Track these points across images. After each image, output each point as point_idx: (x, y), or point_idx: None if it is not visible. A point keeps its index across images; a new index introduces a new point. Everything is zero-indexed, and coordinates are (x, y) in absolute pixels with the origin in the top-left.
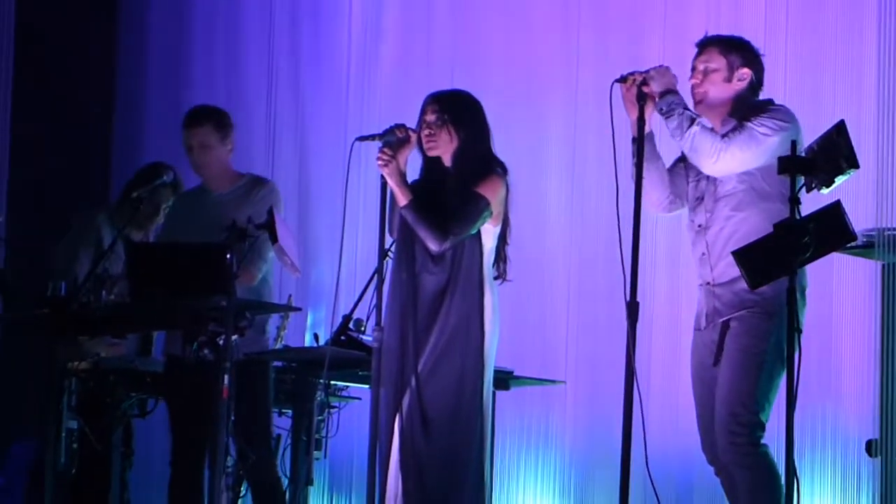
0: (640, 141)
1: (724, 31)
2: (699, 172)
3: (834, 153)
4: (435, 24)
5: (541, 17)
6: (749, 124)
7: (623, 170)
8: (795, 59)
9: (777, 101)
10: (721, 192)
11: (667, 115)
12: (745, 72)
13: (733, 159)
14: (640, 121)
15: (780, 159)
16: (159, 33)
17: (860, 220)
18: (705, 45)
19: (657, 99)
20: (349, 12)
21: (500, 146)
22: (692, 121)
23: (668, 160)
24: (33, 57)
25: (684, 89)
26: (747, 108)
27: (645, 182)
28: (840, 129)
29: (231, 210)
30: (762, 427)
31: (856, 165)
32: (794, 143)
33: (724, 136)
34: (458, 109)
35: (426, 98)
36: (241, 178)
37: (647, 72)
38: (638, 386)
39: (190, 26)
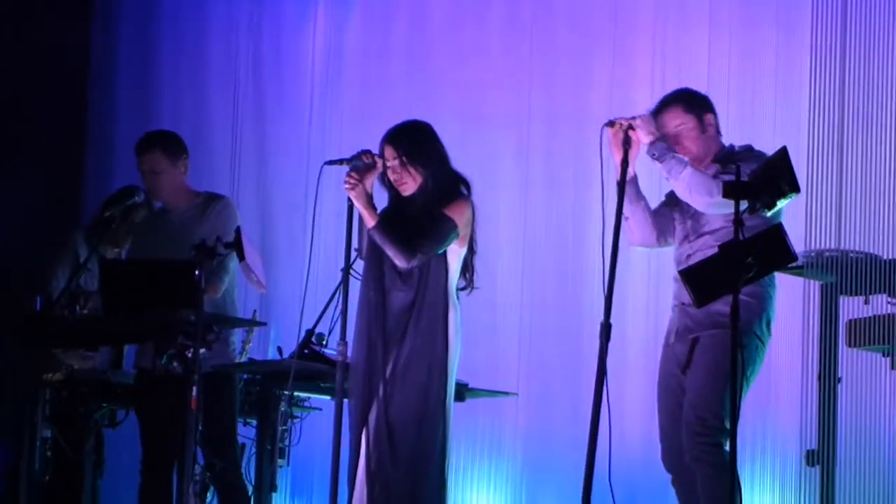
0: (623, 182)
1: (670, 60)
2: (684, 214)
3: (776, 177)
4: (392, 50)
5: (493, 44)
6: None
7: (604, 208)
8: (738, 86)
9: (752, 146)
10: (705, 230)
11: (659, 159)
12: (710, 117)
13: (723, 202)
14: (624, 162)
15: (725, 184)
16: (128, 60)
17: (799, 241)
18: (665, 108)
19: (647, 146)
20: (312, 39)
21: (455, 164)
22: (684, 164)
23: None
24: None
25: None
26: (729, 155)
27: (631, 221)
28: (782, 154)
29: (189, 227)
30: (726, 433)
31: (797, 189)
32: (738, 168)
33: (714, 176)
34: (412, 146)
35: (382, 140)
36: (197, 197)
37: (633, 118)
38: (609, 400)
39: (158, 50)
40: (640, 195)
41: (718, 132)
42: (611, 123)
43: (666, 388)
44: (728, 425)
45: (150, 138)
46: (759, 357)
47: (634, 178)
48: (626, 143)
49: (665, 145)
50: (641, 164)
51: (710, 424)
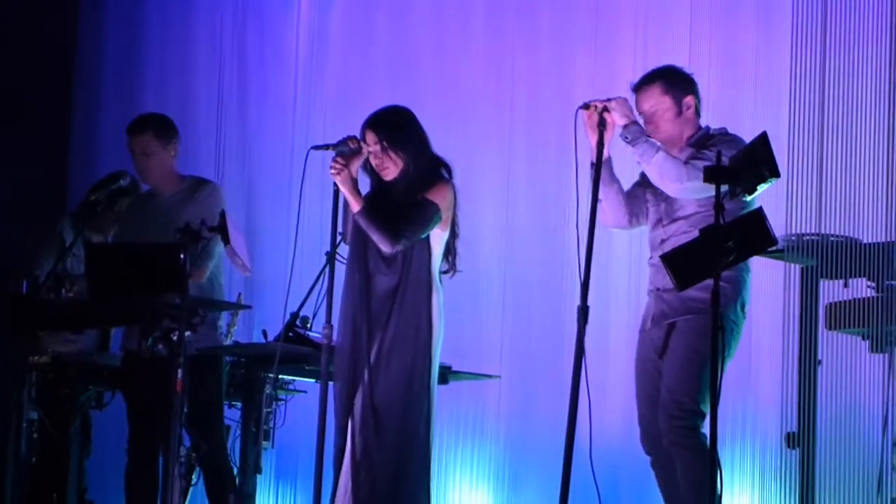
0: (598, 164)
1: (651, 51)
2: (657, 196)
3: (757, 162)
4: (375, 37)
5: (476, 31)
6: (708, 153)
7: (578, 190)
8: (718, 74)
9: (727, 129)
10: (679, 214)
11: (632, 143)
12: (689, 99)
13: (694, 184)
14: (599, 145)
15: (706, 168)
16: (114, 46)
17: (780, 225)
18: (644, 87)
19: (621, 128)
20: (296, 25)
21: (437, 149)
22: (657, 148)
23: (626, 184)
24: None
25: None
26: (704, 138)
27: (604, 203)
28: (763, 139)
29: (176, 210)
30: (703, 416)
31: (777, 174)
32: (719, 154)
33: (685, 162)
34: (393, 131)
35: (363, 126)
36: (185, 181)
37: (608, 100)
38: (588, 382)
39: (144, 37)
40: (613, 177)
41: (698, 114)
42: (586, 106)
43: (643, 372)
44: (705, 409)
45: (143, 119)
46: (734, 341)
47: (608, 160)
48: (602, 126)
49: (639, 129)
50: (616, 147)
51: (687, 408)
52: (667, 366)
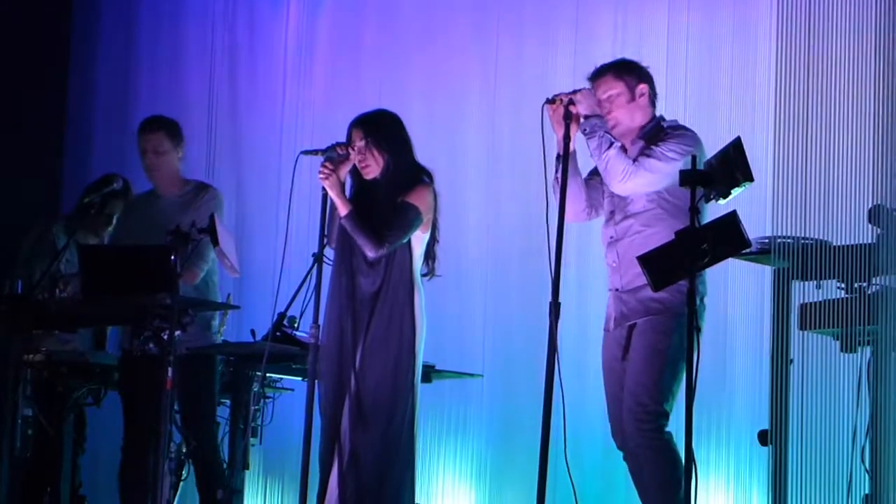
0: (566, 156)
1: (628, 54)
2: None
3: (731, 167)
4: (363, 42)
5: (461, 36)
6: (657, 149)
7: (547, 185)
8: (695, 79)
9: (679, 121)
10: (631, 210)
11: (589, 135)
12: (643, 87)
13: (640, 182)
14: (566, 138)
15: (682, 172)
16: (107, 48)
17: (752, 228)
18: (599, 75)
19: (582, 120)
20: (284, 32)
21: (422, 154)
22: (610, 144)
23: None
24: None
25: None
26: (656, 130)
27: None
28: (737, 145)
29: (178, 213)
30: (666, 416)
31: (750, 178)
32: (694, 158)
33: (634, 160)
34: (379, 130)
35: (350, 124)
36: (187, 185)
37: (573, 93)
38: (561, 378)
39: (136, 39)
40: (576, 171)
41: (652, 104)
42: (551, 100)
43: (609, 372)
44: (668, 409)
45: (158, 119)
46: (699, 338)
47: (573, 154)
48: (568, 118)
49: (598, 122)
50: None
51: (651, 411)
52: (629, 368)
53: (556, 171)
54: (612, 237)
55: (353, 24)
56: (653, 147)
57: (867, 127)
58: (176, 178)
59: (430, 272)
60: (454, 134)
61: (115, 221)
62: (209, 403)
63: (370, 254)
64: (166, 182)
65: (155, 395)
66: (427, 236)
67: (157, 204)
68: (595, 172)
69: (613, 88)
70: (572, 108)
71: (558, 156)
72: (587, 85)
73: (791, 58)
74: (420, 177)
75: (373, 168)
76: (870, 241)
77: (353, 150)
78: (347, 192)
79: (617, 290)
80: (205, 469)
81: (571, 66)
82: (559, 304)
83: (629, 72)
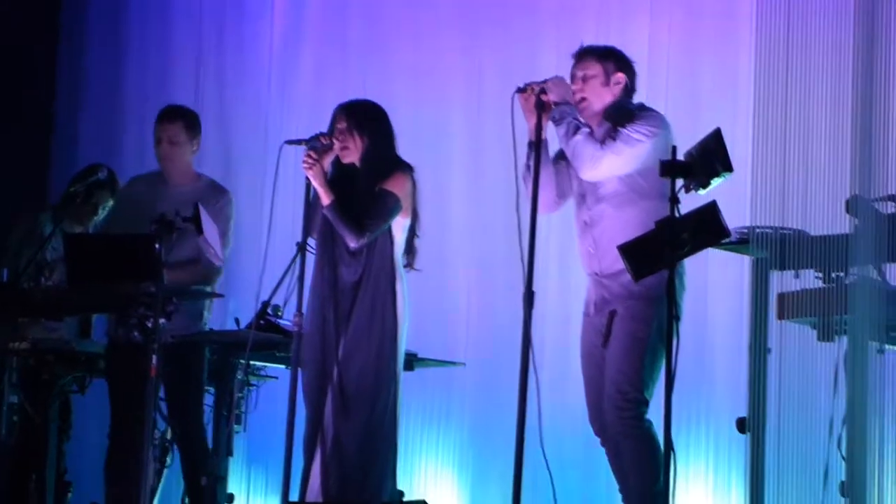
0: (538, 145)
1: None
2: None
3: (710, 157)
4: (349, 35)
5: (446, 31)
6: (623, 130)
7: (517, 173)
8: (676, 71)
9: (650, 106)
10: (602, 193)
11: (557, 122)
12: (620, 76)
13: (608, 166)
14: (538, 127)
15: (662, 163)
16: (96, 43)
17: (732, 218)
18: (582, 55)
19: (552, 107)
20: (270, 25)
21: (408, 146)
22: (577, 129)
23: None
24: None
25: None
26: (622, 112)
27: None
28: (716, 135)
29: (187, 206)
30: (646, 403)
31: (730, 169)
32: (674, 148)
33: (602, 142)
34: (363, 116)
35: (335, 109)
36: (199, 179)
37: (544, 82)
38: (535, 367)
39: (125, 33)
40: (548, 159)
41: (627, 94)
42: (522, 89)
43: (588, 358)
44: (648, 396)
45: (177, 109)
46: (676, 326)
47: (545, 142)
48: (540, 107)
49: (568, 109)
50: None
51: (631, 398)
52: (609, 355)
53: (528, 159)
54: (585, 222)
55: (338, 18)
56: (619, 129)
57: (845, 118)
58: (188, 169)
59: (409, 265)
60: (439, 125)
61: (100, 214)
62: (198, 392)
63: (352, 244)
64: (177, 172)
65: (140, 383)
66: (408, 222)
67: (165, 190)
68: (561, 156)
69: (591, 69)
70: (544, 97)
71: (530, 143)
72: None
73: (769, 49)
74: (399, 164)
75: (351, 151)
76: (847, 231)
77: (337, 136)
78: (330, 174)
79: (596, 274)
80: (192, 456)
81: (555, 57)
82: (532, 292)
83: (611, 59)
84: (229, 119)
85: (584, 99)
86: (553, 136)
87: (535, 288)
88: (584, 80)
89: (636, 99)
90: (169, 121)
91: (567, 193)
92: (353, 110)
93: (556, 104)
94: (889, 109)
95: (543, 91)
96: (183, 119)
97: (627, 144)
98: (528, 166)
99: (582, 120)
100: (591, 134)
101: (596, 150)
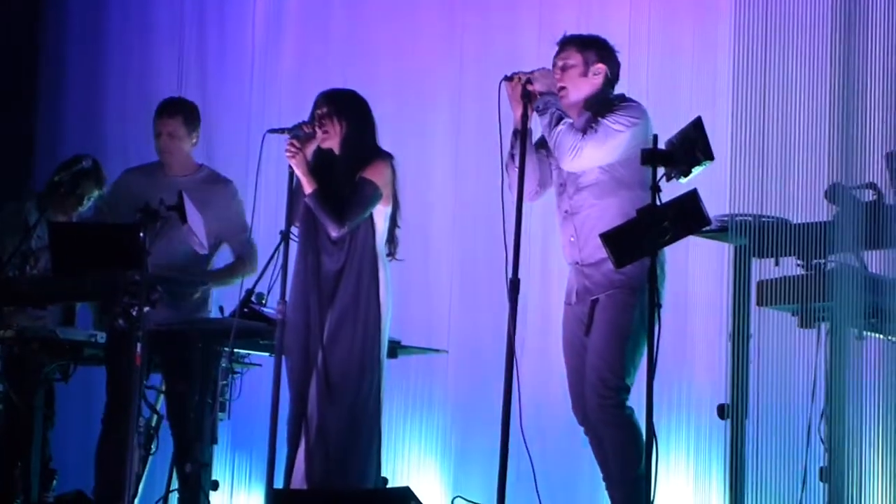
0: (524, 134)
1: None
2: None
3: (691, 146)
4: (331, 25)
5: (427, 21)
6: (603, 121)
7: (503, 162)
8: (657, 59)
9: (630, 97)
10: (583, 182)
11: (541, 112)
12: (601, 67)
13: (588, 157)
14: (524, 116)
15: (643, 151)
16: (78, 28)
17: (712, 206)
18: (564, 43)
19: (538, 97)
20: (252, 14)
21: (390, 135)
22: (560, 120)
23: None
24: None
25: None
26: (602, 102)
27: (515, 175)
28: (697, 124)
29: (189, 195)
30: (628, 390)
31: (711, 157)
32: (655, 137)
33: (583, 132)
34: (344, 104)
35: (317, 96)
36: (200, 170)
37: (531, 72)
38: (516, 358)
39: (106, 24)
40: (532, 149)
41: (609, 84)
42: (509, 78)
43: (570, 346)
44: (629, 383)
45: (176, 103)
46: (657, 314)
47: (529, 131)
48: (526, 97)
49: (552, 99)
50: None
51: (612, 385)
52: (591, 343)
53: (513, 148)
54: (567, 211)
55: (321, 7)
56: (599, 119)
57: (823, 106)
58: (188, 160)
59: (391, 254)
60: (421, 117)
61: (85, 204)
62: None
63: (333, 233)
64: (178, 164)
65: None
66: (389, 210)
67: (165, 181)
68: (541, 145)
69: (571, 59)
70: (530, 87)
71: (515, 132)
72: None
73: (747, 37)
74: (378, 153)
75: (331, 136)
76: (827, 218)
77: (317, 121)
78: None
79: (577, 263)
80: (187, 445)
81: (536, 45)
82: (518, 280)
83: (593, 48)
84: (212, 108)
85: (563, 87)
86: (537, 126)
87: (526, 278)
88: (564, 69)
89: (618, 89)
90: (169, 115)
91: (548, 183)
92: (335, 97)
93: (542, 94)
94: (866, 97)
95: (529, 81)
96: (182, 113)
97: (607, 135)
98: (511, 155)
99: (564, 111)
100: (574, 125)
101: (577, 141)
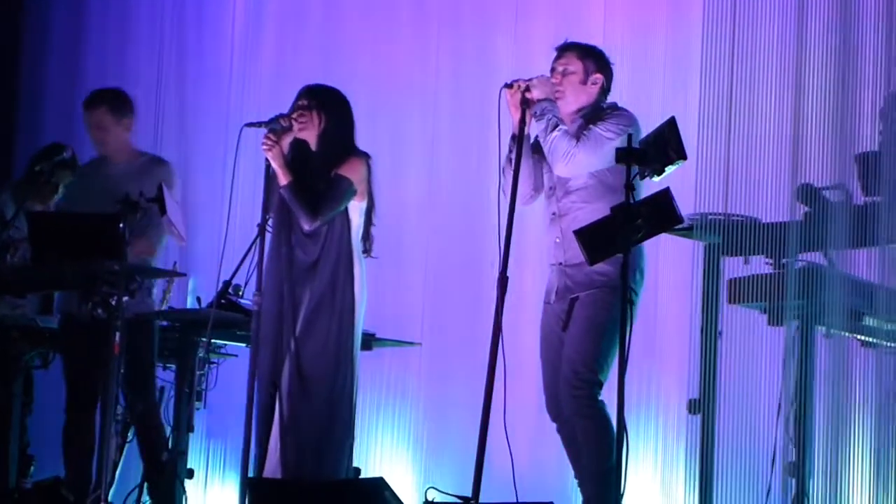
0: (521, 139)
1: (572, 37)
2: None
3: (665, 145)
4: (309, 19)
5: (404, 18)
6: (595, 129)
7: (501, 163)
8: (630, 60)
9: (620, 105)
10: (572, 186)
11: (538, 118)
12: (598, 77)
13: (581, 163)
14: (522, 122)
15: (618, 150)
16: (59, 23)
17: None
18: (565, 49)
19: (536, 104)
20: (232, 14)
21: (366, 130)
22: (556, 126)
23: None
24: None
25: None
26: (595, 110)
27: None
28: (671, 124)
29: (126, 182)
30: (601, 385)
31: (684, 157)
32: (629, 136)
33: (576, 137)
34: (326, 99)
35: (302, 88)
36: (141, 156)
37: (530, 80)
38: (503, 350)
39: (87, 17)
40: (529, 154)
41: (603, 93)
42: (509, 85)
43: (547, 342)
44: (603, 378)
45: (98, 95)
46: (634, 310)
47: (527, 137)
48: (524, 104)
49: (549, 106)
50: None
51: (585, 378)
52: (568, 337)
53: (510, 152)
54: (554, 213)
55: (299, 4)
56: (591, 127)
57: (788, 106)
58: (126, 148)
59: (367, 251)
60: (397, 113)
61: (61, 189)
62: (149, 367)
63: (305, 226)
64: (114, 153)
65: (99, 360)
66: (364, 205)
67: (107, 172)
68: (535, 150)
69: (571, 65)
70: (528, 94)
71: (513, 137)
72: (544, 67)
73: (715, 38)
74: (354, 149)
75: (308, 128)
76: (795, 218)
77: (296, 113)
78: (287, 153)
79: (561, 264)
80: (146, 431)
81: (511, 48)
82: (507, 277)
83: (592, 58)
84: (190, 100)
85: (560, 91)
86: (533, 131)
87: (495, 275)
88: (564, 74)
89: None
90: (93, 107)
91: (541, 187)
92: (318, 92)
93: (540, 101)
94: (829, 98)
95: (528, 88)
96: (105, 103)
97: (598, 143)
98: (509, 159)
99: (560, 118)
100: (568, 132)
101: (570, 147)
